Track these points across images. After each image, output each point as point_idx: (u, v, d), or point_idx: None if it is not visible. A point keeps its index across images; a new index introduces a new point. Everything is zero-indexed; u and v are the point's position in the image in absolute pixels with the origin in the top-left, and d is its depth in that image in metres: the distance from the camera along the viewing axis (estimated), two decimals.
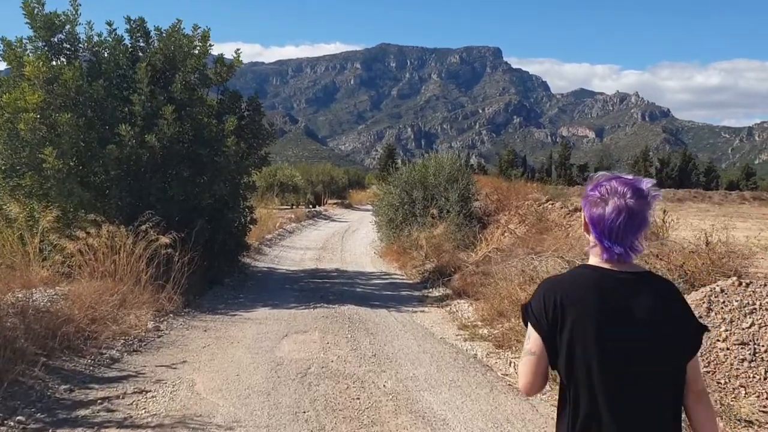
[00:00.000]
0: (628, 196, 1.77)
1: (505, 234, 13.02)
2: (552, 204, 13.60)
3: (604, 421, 1.72)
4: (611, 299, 1.75)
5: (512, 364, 6.28)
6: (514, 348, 6.68)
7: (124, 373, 5.62)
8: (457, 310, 8.65)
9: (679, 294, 1.85)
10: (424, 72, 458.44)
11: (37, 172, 8.53)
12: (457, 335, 7.35)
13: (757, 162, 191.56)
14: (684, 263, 6.99)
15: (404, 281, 11.66)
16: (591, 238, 1.85)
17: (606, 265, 1.81)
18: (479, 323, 7.81)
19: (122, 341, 6.52)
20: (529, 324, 1.84)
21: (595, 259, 1.85)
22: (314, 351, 6.39)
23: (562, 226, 12.01)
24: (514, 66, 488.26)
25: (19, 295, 6.77)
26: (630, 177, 1.83)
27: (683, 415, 1.84)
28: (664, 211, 10.52)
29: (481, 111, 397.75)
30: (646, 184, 1.80)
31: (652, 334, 1.73)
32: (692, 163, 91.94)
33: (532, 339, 1.83)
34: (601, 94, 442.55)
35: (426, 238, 12.92)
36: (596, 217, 1.80)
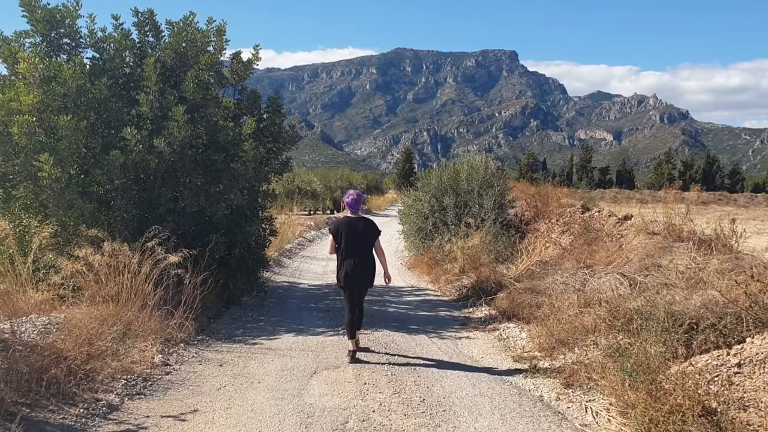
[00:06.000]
0: (354, 196, 6.82)
1: (548, 245, 11.89)
2: (599, 212, 12.42)
3: (348, 256, 6.54)
4: (351, 224, 6.62)
5: (588, 410, 5.18)
6: (586, 387, 5.59)
7: (123, 428, 4.61)
8: (507, 336, 7.55)
9: (373, 222, 6.76)
10: (440, 76, 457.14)
11: (33, 181, 7.61)
12: (514, 370, 6.26)
13: None
14: None
15: (440, 298, 10.56)
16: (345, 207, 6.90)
17: (350, 215, 6.74)
18: (537, 354, 6.71)
19: (123, 381, 5.52)
20: (329, 232, 6.90)
21: (347, 213, 6.82)
22: (350, 395, 5.32)
23: (613, 236, 10.85)
24: (531, 69, 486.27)
25: (5, 326, 5.80)
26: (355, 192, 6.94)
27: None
28: (733, 221, 9.34)
29: (497, 114, 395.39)
30: (360, 195, 6.89)
31: (362, 234, 6.60)
32: (716, 165, 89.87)
33: (330, 236, 6.78)
34: (619, 96, 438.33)
35: (461, 249, 11.82)
36: (348, 201, 6.77)
